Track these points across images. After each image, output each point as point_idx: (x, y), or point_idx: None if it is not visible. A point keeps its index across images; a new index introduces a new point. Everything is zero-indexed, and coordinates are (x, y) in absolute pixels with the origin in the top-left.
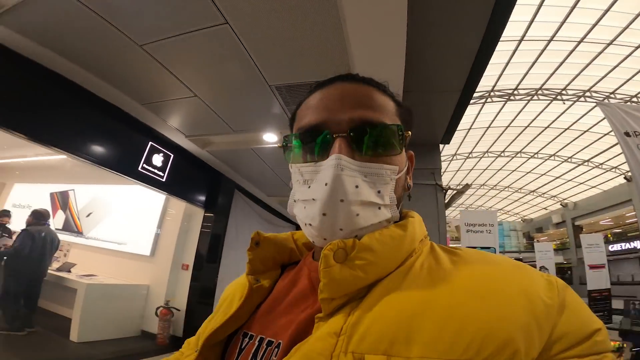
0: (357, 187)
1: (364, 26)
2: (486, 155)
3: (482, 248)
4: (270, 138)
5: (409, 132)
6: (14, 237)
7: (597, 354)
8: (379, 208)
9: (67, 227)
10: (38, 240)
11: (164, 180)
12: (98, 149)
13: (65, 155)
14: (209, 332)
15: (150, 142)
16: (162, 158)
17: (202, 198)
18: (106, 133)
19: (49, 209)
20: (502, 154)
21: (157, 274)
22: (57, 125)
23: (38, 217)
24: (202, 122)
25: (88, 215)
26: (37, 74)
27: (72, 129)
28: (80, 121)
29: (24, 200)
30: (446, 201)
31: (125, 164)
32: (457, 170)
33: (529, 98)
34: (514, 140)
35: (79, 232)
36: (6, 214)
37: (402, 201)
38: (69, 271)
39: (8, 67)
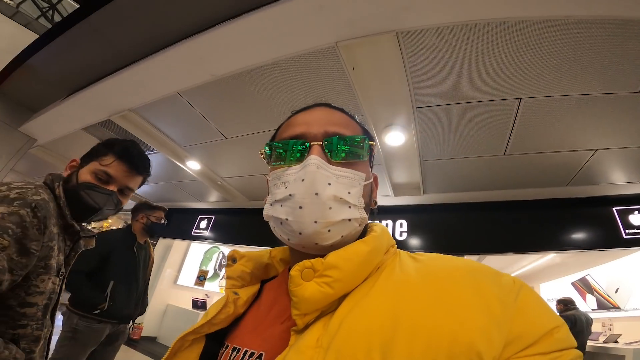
0: (329, 184)
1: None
2: None
3: None
4: None
5: (373, 142)
6: None
7: (560, 350)
8: (349, 207)
9: (602, 306)
10: (577, 322)
11: None
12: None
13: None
14: (182, 333)
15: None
16: None
17: None
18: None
19: (575, 295)
20: None
21: None
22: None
23: (566, 304)
24: None
25: (616, 291)
26: None
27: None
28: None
29: (551, 294)
30: None
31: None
32: None
33: None
34: None
35: (615, 308)
36: None
37: (368, 212)
38: (616, 341)
39: None
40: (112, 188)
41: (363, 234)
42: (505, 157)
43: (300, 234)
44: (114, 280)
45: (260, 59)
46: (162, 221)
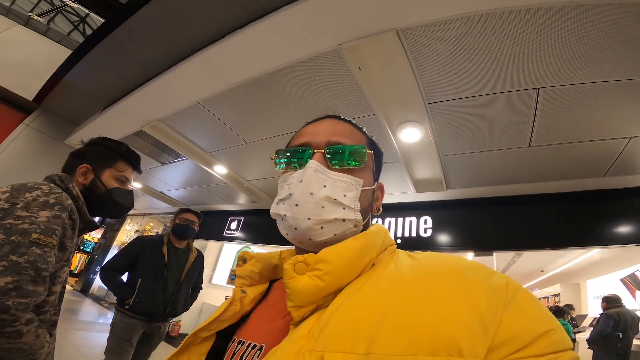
0: (324, 186)
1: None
2: None
3: None
4: None
5: (371, 151)
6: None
7: (555, 352)
8: (344, 208)
9: None
10: (621, 320)
11: None
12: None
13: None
14: (194, 330)
15: None
16: None
17: None
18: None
19: (624, 292)
20: None
21: None
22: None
23: (610, 302)
24: None
25: None
26: None
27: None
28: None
29: (598, 291)
30: None
31: None
32: None
33: None
34: None
35: None
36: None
37: (368, 216)
38: None
39: None
40: (129, 188)
41: None
42: (530, 148)
43: (295, 229)
44: (141, 278)
45: (268, 66)
46: (191, 223)
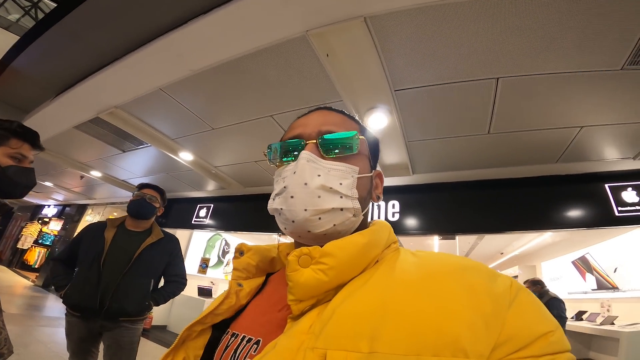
0: (319, 175)
1: None
2: None
3: None
4: None
5: (363, 137)
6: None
7: (553, 354)
8: (341, 197)
9: (601, 286)
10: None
11: None
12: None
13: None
14: (189, 324)
15: None
16: None
17: None
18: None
19: (575, 274)
20: None
21: None
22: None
23: (534, 283)
24: None
25: (615, 271)
26: None
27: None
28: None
29: (552, 273)
30: None
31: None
32: None
33: None
34: None
35: (614, 288)
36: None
37: (368, 205)
38: (612, 323)
39: None
40: (29, 165)
41: (363, 228)
42: (489, 135)
43: (293, 221)
44: (78, 267)
45: (235, 52)
46: (149, 199)
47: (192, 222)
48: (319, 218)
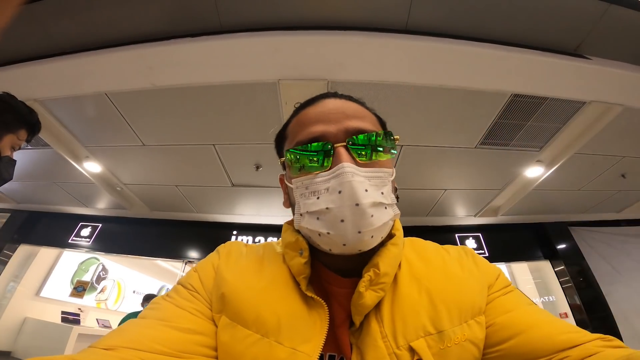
0: (366, 190)
1: None
2: None
3: None
4: None
5: (397, 136)
6: None
7: (506, 287)
8: (385, 208)
9: None
10: None
11: None
12: None
13: None
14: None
15: None
16: None
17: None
18: None
19: None
20: None
21: None
22: None
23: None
24: None
25: None
26: None
27: None
28: None
29: None
30: None
31: None
32: None
33: None
34: None
35: None
36: None
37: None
38: None
39: None
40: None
41: None
42: None
43: (344, 245)
44: None
45: (205, 80)
46: None
47: (69, 241)
48: (372, 237)
